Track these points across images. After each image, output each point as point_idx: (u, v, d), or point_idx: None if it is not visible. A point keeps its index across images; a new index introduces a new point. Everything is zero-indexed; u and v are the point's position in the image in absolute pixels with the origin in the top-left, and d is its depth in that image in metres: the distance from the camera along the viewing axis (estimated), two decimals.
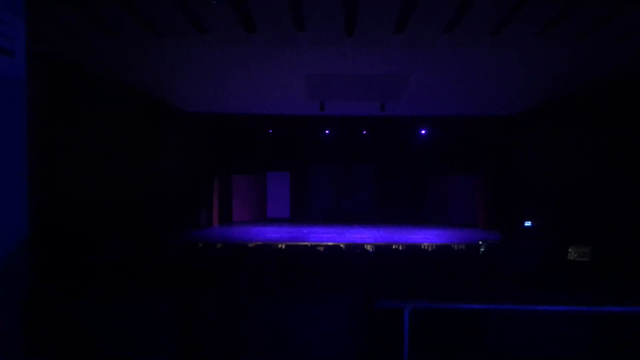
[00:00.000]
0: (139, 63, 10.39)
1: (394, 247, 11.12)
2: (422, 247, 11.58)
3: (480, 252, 8.90)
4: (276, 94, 12.84)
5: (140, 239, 11.89)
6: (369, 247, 10.84)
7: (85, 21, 7.82)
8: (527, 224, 12.23)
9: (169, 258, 7.25)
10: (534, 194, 14.44)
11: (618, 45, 8.66)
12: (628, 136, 10.83)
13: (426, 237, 14.12)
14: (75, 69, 10.54)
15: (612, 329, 3.66)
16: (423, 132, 16.64)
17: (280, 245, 10.75)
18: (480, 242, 10.10)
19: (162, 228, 13.86)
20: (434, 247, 11.60)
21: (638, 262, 6.62)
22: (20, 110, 3.78)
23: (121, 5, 7.22)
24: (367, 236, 14.59)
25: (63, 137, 10.38)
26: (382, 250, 9.56)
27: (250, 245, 10.01)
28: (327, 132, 17.05)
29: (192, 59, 9.98)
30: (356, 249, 9.58)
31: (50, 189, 10.05)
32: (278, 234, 14.74)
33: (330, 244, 11.09)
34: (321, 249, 8.73)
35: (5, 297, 3.34)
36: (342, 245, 10.22)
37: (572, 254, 7.56)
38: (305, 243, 12.01)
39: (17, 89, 3.74)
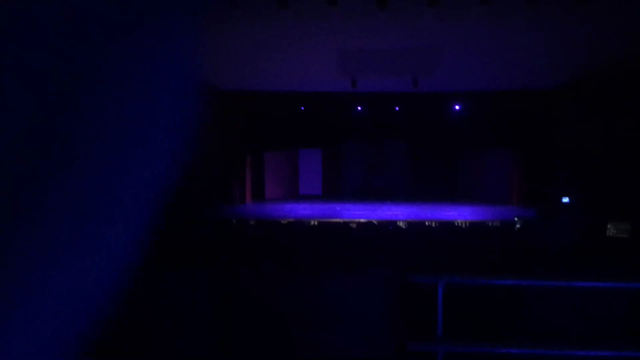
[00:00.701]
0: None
1: (427, 223, 11.07)
2: (456, 223, 11.49)
3: (516, 229, 8.78)
4: (308, 70, 12.79)
5: (175, 213, 12.07)
6: (402, 224, 10.81)
7: None
8: (565, 200, 12.00)
9: (205, 233, 7.37)
10: (571, 170, 14.13)
11: None
12: None
13: (460, 214, 13.99)
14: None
15: None
16: (457, 107, 16.38)
17: (313, 222, 10.80)
18: (516, 219, 9.96)
19: (196, 204, 14.07)
20: (468, 224, 11.49)
21: None
22: None
23: None
24: (400, 213, 14.53)
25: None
26: (416, 226, 9.52)
27: (283, 221, 10.09)
28: (359, 108, 16.94)
29: (224, 35, 9.98)
30: (389, 225, 9.55)
31: None
32: (310, 211, 14.81)
33: (363, 220, 11.09)
34: (354, 225, 8.74)
35: None
36: (375, 222, 10.21)
37: (611, 230, 7.41)
38: (338, 219, 12.05)
39: None
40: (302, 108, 16.95)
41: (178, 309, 3.42)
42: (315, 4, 7.96)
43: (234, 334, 3.44)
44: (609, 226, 7.48)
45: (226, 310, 3.42)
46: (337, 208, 15.74)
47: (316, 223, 10.35)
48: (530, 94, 15.15)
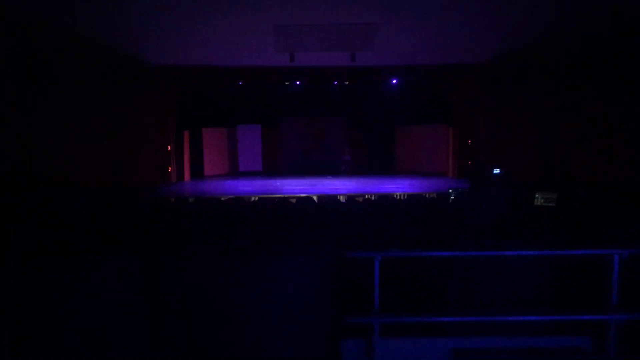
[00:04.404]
0: (101, 14, 10.01)
1: (366, 197, 11.20)
2: (394, 196, 11.69)
3: (450, 201, 9.02)
4: (245, 44, 12.56)
5: (111, 194, 11.76)
6: (341, 198, 10.90)
7: None
8: (496, 171, 12.37)
9: (141, 214, 7.19)
10: (503, 142, 14.61)
11: None
12: (590, 85, 11.03)
13: (398, 187, 14.25)
14: (38, 24, 10.13)
15: (575, 270, 3.78)
16: (394, 81, 16.51)
17: (252, 199, 10.74)
18: (450, 191, 10.21)
19: (133, 183, 13.72)
20: (405, 197, 11.72)
21: (599, 206, 6.81)
22: None
23: None
24: (339, 187, 14.65)
25: (28, 94, 10.13)
26: (354, 201, 9.63)
27: (222, 199, 9.98)
28: (297, 83, 16.80)
29: (158, 9, 9.65)
30: (328, 200, 9.62)
31: (19, 147, 9.84)
32: (250, 187, 14.70)
33: (302, 195, 11.11)
34: (293, 201, 8.75)
35: None
36: (314, 197, 10.26)
37: (538, 199, 7.71)
38: (278, 195, 12.02)
39: None
40: (240, 83, 16.64)
41: (108, 295, 3.32)
42: None
43: (166, 321, 3.38)
44: (537, 196, 7.78)
45: (158, 297, 3.35)
46: (277, 184, 15.71)
47: (256, 200, 10.30)
48: (463, 67, 15.46)
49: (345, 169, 18.42)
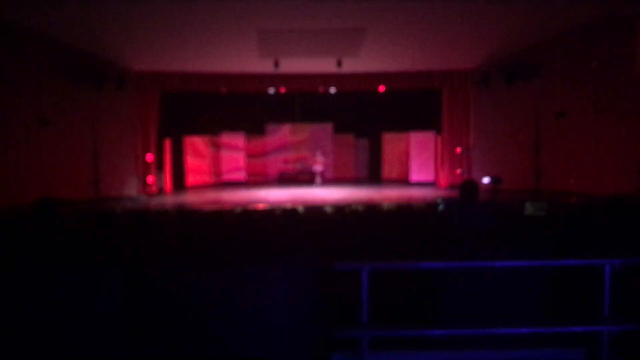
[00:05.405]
0: (81, 20, 9.85)
1: (352, 207, 11.09)
2: (382, 206, 11.59)
3: (439, 210, 8.95)
4: (228, 50, 12.45)
5: (91, 206, 11.56)
6: (327, 208, 10.78)
7: None
8: (486, 180, 12.35)
9: (120, 225, 7.04)
10: (493, 150, 14.60)
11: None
12: (582, 93, 11.06)
13: (386, 196, 14.16)
14: (9, 27, 9.94)
15: (568, 281, 3.71)
16: (381, 88, 16.42)
17: (236, 209, 10.57)
18: (439, 200, 10.15)
19: (113, 194, 13.49)
20: (393, 206, 11.62)
21: (589, 216, 6.78)
22: None
23: None
24: (325, 197, 14.52)
25: None
26: (341, 210, 9.52)
27: (205, 209, 9.81)
28: (282, 90, 16.66)
29: (142, 15, 9.52)
30: (314, 210, 9.52)
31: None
32: (234, 197, 14.52)
33: (288, 205, 10.98)
34: (279, 211, 8.63)
35: None
36: (300, 207, 10.14)
37: (528, 209, 7.67)
38: (263, 205, 11.87)
39: None
40: (224, 90, 16.41)
41: (86, 308, 3.18)
42: None
43: (148, 331, 3.25)
44: (527, 205, 7.74)
45: (141, 309, 3.21)
46: (262, 193, 15.54)
47: (240, 210, 10.14)
48: (451, 74, 15.49)
49: (318, 181, 18.29)
